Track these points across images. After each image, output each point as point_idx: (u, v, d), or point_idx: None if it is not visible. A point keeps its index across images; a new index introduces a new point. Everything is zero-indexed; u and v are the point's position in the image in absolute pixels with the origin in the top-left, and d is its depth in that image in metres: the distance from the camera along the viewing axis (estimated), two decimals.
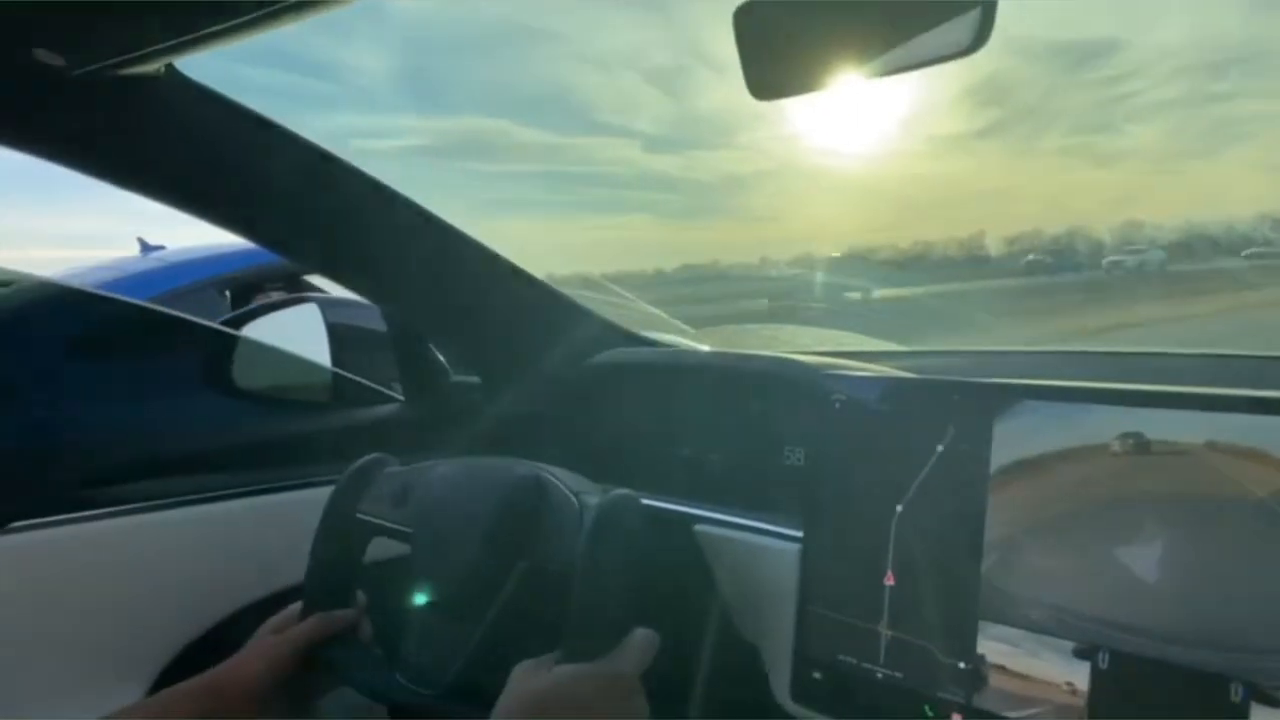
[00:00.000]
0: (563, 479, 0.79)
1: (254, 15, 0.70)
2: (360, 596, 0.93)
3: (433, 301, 1.23)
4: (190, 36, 0.74)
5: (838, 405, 0.80)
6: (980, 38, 0.48)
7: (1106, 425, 0.65)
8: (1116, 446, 0.63)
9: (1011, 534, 0.68)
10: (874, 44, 0.51)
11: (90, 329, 1.21)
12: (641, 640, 0.71)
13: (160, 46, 0.75)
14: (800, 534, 0.83)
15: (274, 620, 0.90)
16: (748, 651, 0.89)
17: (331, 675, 0.90)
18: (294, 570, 1.03)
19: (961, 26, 0.48)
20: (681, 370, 1.12)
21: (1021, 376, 0.72)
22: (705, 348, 1.26)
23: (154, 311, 1.32)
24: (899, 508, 0.74)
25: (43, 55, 0.73)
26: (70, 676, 1.01)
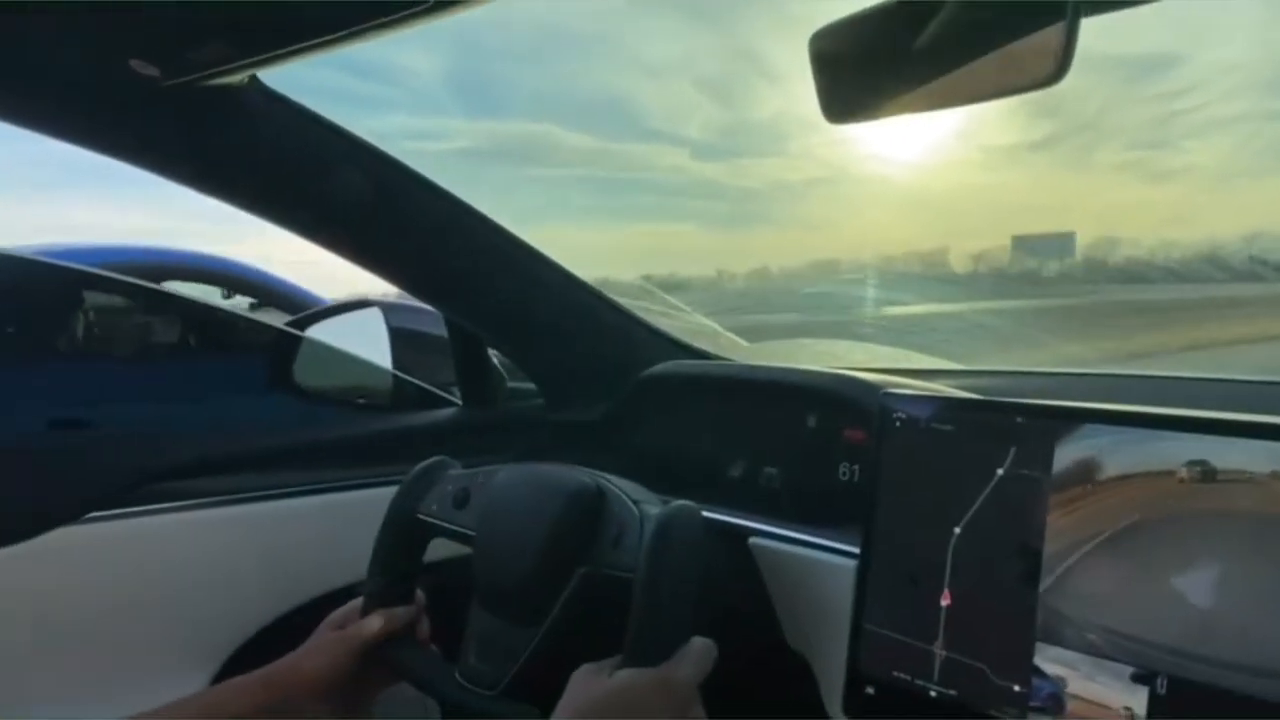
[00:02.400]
0: (623, 488, 0.81)
1: (341, 33, 0.73)
2: (420, 595, 0.95)
3: (493, 308, 1.26)
4: (280, 51, 0.77)
5: (898, 424, 0.81)
6: (1061, 68, 0.48)
7: (1170, 450, 0.64)
8: (1181, 473, 0.63)
9: (1070, 556, 0.68)
10: (952, 73, 0.52)
11: (166, 331, 1.25)
12: (700, 648, 0.72)
13: (250, 60, 0.78)
14: (856, 550, 0.83)
15: (335, 616, 0.92)
16: (799, 664, 0.90)
17: (390, 672, 0.92)
18: (355, 568, 1.05)
19: (1042, 55, 0.48)
20: (737, 383, 1.13)
21: (1081, 399, 0.72)
22: (759, 361, 1.27)
23: (226, 314, 1.36)
24: (957, 530, 0.75)
25: (138, 65, 0.77)
26: (137, 663, 1.05)
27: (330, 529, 1.15)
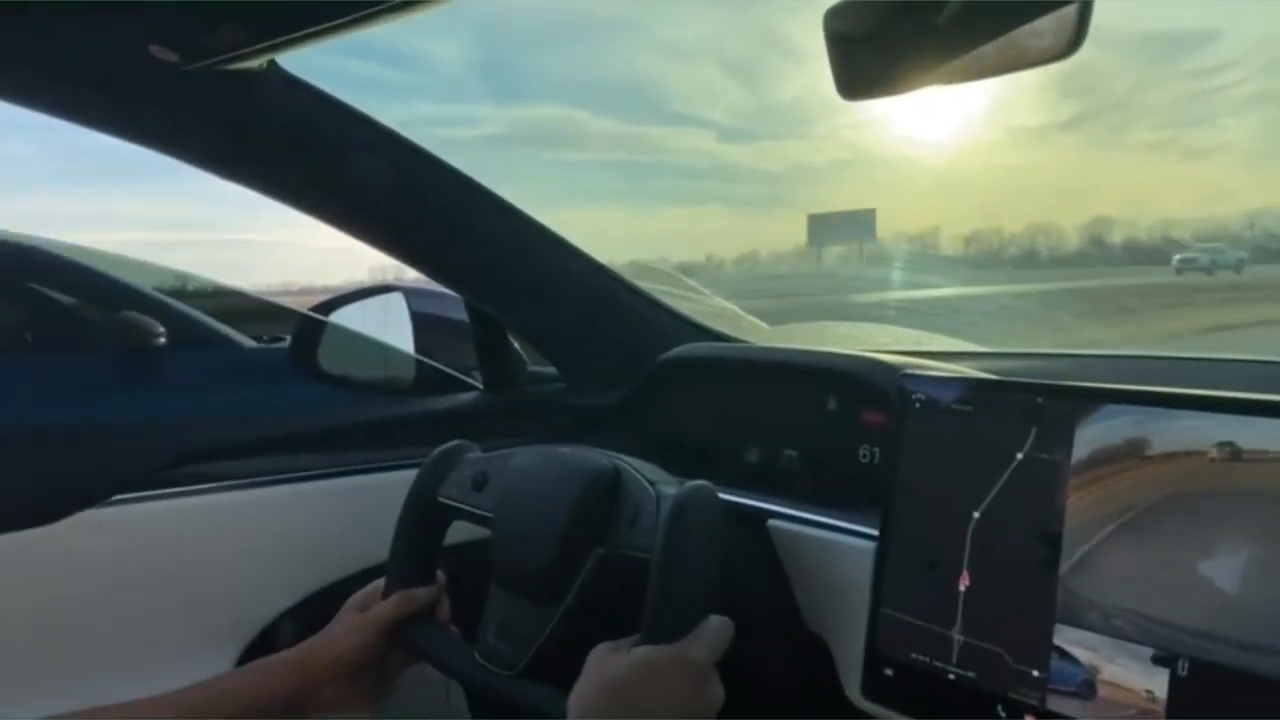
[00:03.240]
0: (639, 468, 0.81)
1: (358, 15, 0.73)
2: (440, 577, 0.95)
3: (513, 292, 1.26)
4: (297, 34, 0.77)
5: (917, 405, 0.80)
6: (1076, 40, 0.47)
7: (1192, 431, 0.64)
8: (1207, 453, 0.63)
9: (1091, 538, 0.68)
10: (966, 48, 0.51)
11: (192, 318, 1.27)
12: (717, 626, 0.72)
13: (267, 44, 0.78)
14: (875, 533, 0.83)
15: (358, 597, 0.93)
16: (817, 646, 0.90)
17: (411, 653, 0.93)
18: (377, 551, 1.06)
19: (1056, 28, 0.47)
20: (756, 366, 1.13)
21: (1102, 380, 0.72)
22: (780, 344, 1.27)
23: (253, 300, 1.37)
24: (976, 514, 0.74)
25: (157, 51, 0.77)
26: (163, 644, 1.06)
27: (352, 512, 1.16)
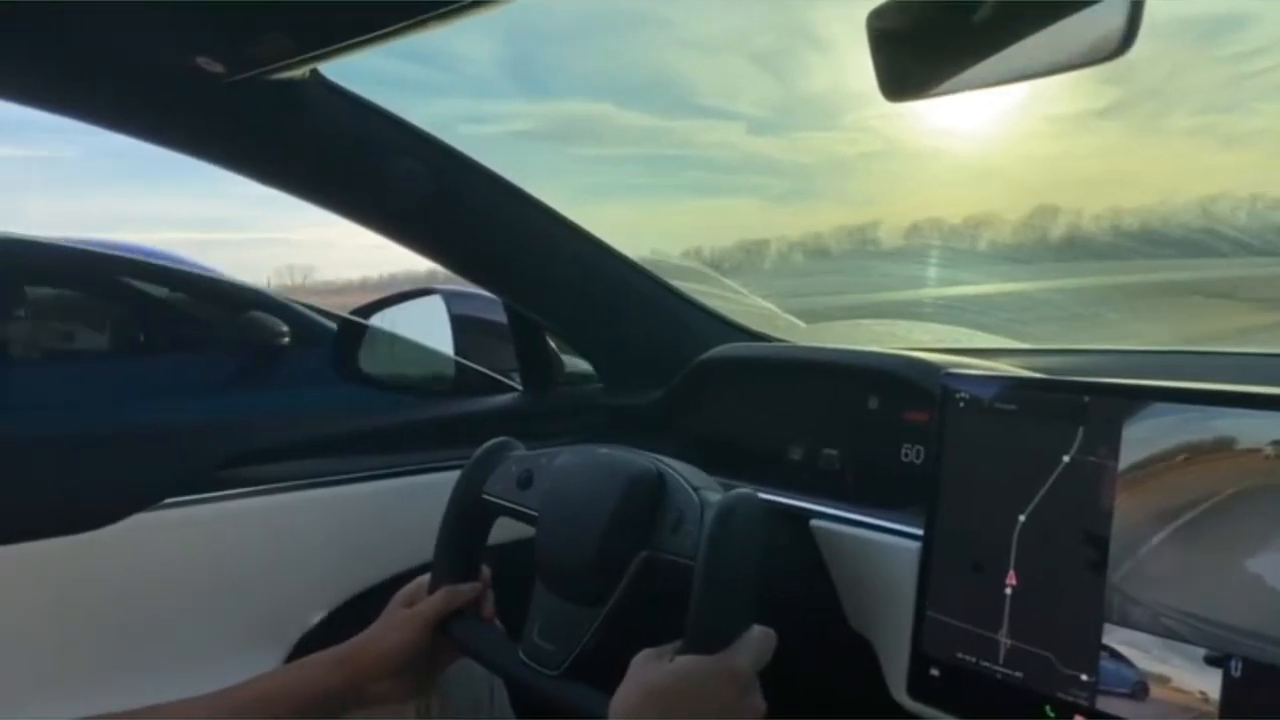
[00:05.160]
0: (683, 472, 0.81)
1: (402, 24, 0.74)
2: (485, 573, 0.96)
3: (552, 294, 1.27)
4: (341, 44, 0.78)
5: (961, 404, 0.80)
6: (1127, 40, 0.46)
7: (1247, 429, 0.63)
8: (1262, 451, 0.62)
9: (1140, 539, 0.67)
10: (1012, 48, 0.51)
11: (238, 323, 1.29)
12: (760, 637, 0.72)
13: (313, 54, 0.79)
14: (919, 533, 0.83)
15: (404, 592, 0.94)
16: (860, 645, 0.89)
17: (456, 648, 0.94)
18: (421, 550, 1.08)
19: (1106, 28, 0.47)
20: (796, 365, 1.13)
21: (1148, 377, 0.71)
22: (818, 342, 1.27)
23: (291, 308, 1.39)
24: (1022, 517, 0.74)
25: (204, 63, 0.79)
26: (212, 644, 1.08)
27: (396, 513, 1.17)
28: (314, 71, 0.91)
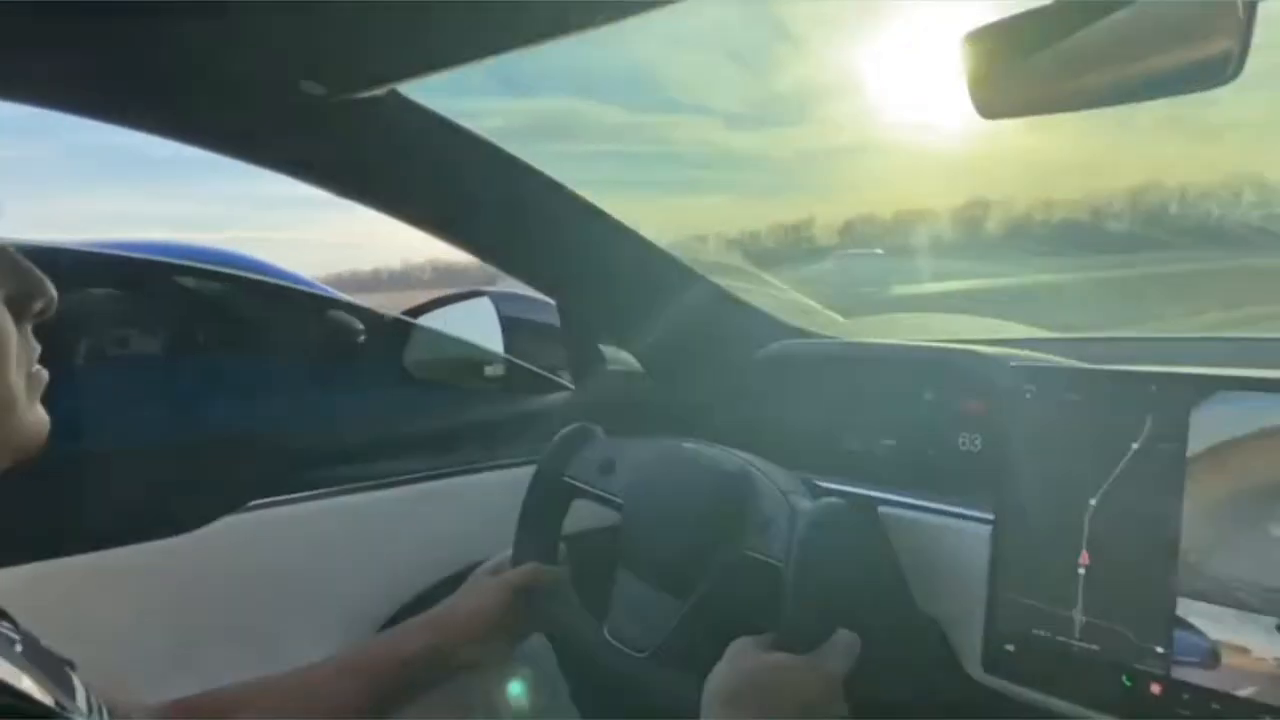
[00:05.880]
0: (770, 474, 0.85)
1: (489, 51, 0.78)
2: (563, 553, 1.00)
3: (603, 295, 1.31)
4: (433, 66, 0.82)
5: (1027, 395, 0.84)
6: (1237, 65, 0.49)
7: None
8: None
9: (1211, 517, 0.71)
10: (1114, 68, 0.55)
11: (317, 327, 1.33)
12: (849, 642, 0.76)
13: (406, 76, 0.84)
14: (987, 517, 0.87)
15: (488, 564, 0.99)
16: (931, 625, 0.94)
17: (532, 624, 0.98)
18: (489, 543, 1.12)
19: (1214, 51, 0.49)
20: (852, 361, 1.17)
21: (1198, 364, 0.75)
22: (858, 336, 1.31)
23: (367, 312, 1.43)
24: (1093, 501, 0.78)
25: (308, 86, 0.83)
26: (294, 641, 1.12)
27: (465, 508, 1.21)
28: (392, 90, 0.95)
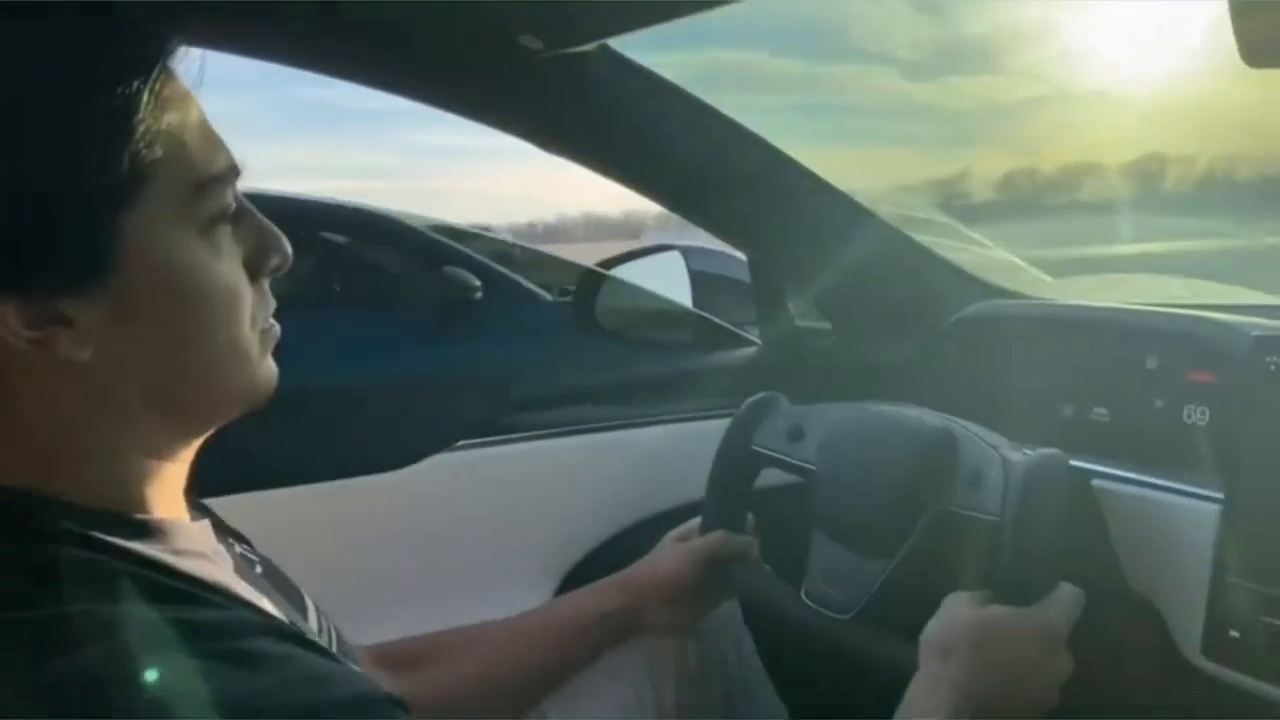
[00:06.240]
0: (974, 430, 0.83)
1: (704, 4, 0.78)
2: (751, 521, 1.01)
3: (795, 249, 1.29)
4: (647, 20, 0.83)
5: (1272, 368, 0.78)
6: None
7: None
8: None
9: None
10: None
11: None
12: (1071, 595, 0.73)
13: (619, 30, 0.85)
14: (1212, 495, 0.82)
15: (678, 530, 1.01)
16: (1144, 606, 0.89)
17: (722, 591, 0.99)
18: (677, 493, 1.14)
19: None
20: (1062, 324, 1.11)
21: None
22: (1066, 298, 1.24)
23: (563, 264, 1.48)
24: None
25: (527, 40, 0.85)
26: (492, 574, 1.18)
27: (655, 458, 1.24)
28: (603, 44, 0.96)
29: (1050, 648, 0.71)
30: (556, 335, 1.37)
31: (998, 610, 0.72)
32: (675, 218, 1.26)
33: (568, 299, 1.62)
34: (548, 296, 1.72)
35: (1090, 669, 0.86)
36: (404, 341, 1.32)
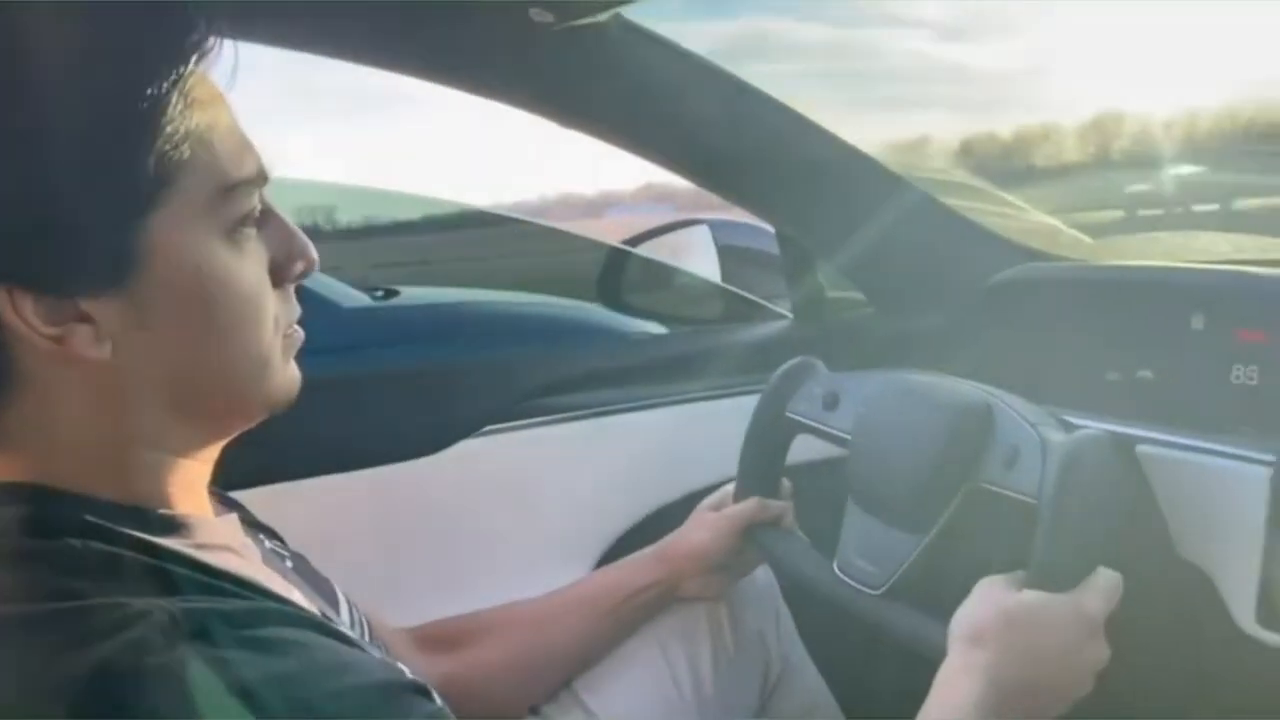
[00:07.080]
0: (1014, 405, 0.80)
1: None
2: (786, 487, 0.99)
3: (823, 218, 1.27)
4: None
5: None
6: None
7: None
8: None
9: None
10: None
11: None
12: (1111, 581, 0.70)
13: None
14: (1266, 458, 0.78)
15: (711, 499, 1.00)
16: (1193, 574, 0.86)
17: (756, 558, 0.98)
18: (710, 471, 1.12)
19: None
20: (1102, 286, 1.08)
21: None
22: (1107, 259, 1.20)
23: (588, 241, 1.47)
24: None
25: (536, 14, 0.83)
26: (524, 557, 1.17)
27: (687, 436, 1.22)
28: (617, 14, 0.94)
29: (1086, 636, 0.69)
30: None
31: (1032, 596, 0.69)
32: (648, 191, 1.23)
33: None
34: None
35: (1140, 638, 0.83)
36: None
